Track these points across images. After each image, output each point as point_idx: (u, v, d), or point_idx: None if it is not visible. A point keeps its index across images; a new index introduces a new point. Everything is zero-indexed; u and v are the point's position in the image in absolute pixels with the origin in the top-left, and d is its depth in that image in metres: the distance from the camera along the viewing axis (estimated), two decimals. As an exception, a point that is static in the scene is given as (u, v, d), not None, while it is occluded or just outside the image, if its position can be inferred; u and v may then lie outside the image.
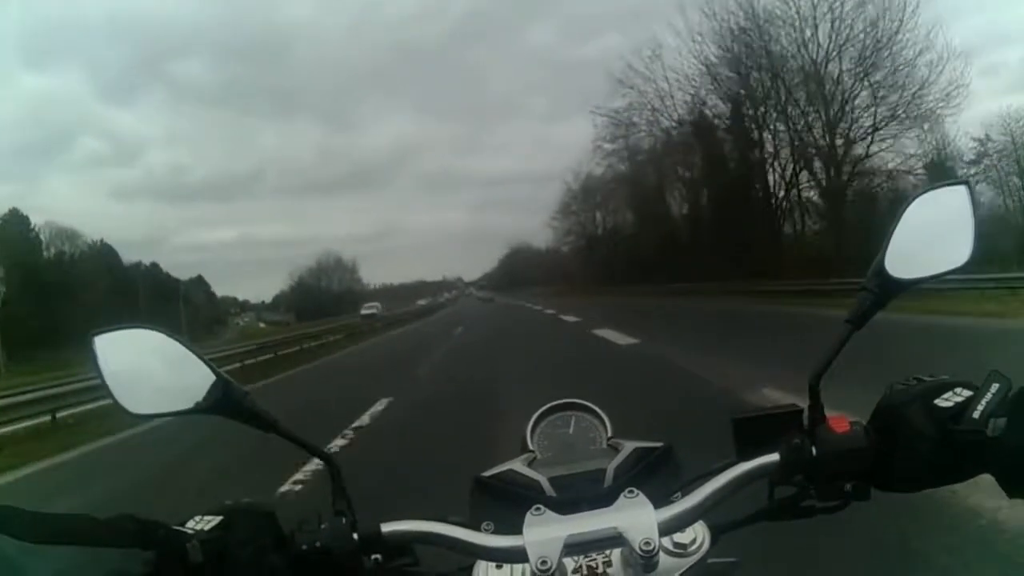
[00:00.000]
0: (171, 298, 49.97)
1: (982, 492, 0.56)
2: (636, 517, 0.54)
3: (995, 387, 0.50)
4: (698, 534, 0.61)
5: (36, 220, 46.78)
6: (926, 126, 23.22)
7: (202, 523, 0.53)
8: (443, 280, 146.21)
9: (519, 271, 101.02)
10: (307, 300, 78.87)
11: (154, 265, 57.94)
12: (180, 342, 0.59)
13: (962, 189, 0.61)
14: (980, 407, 0.50)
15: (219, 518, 0.54)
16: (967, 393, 0.53)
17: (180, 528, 0.52)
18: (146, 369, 0.58)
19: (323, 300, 77.50)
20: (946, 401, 0.53)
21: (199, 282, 68.38)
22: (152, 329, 0.59)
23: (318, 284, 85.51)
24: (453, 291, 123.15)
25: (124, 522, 0.47)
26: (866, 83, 23.86)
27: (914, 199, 0.61)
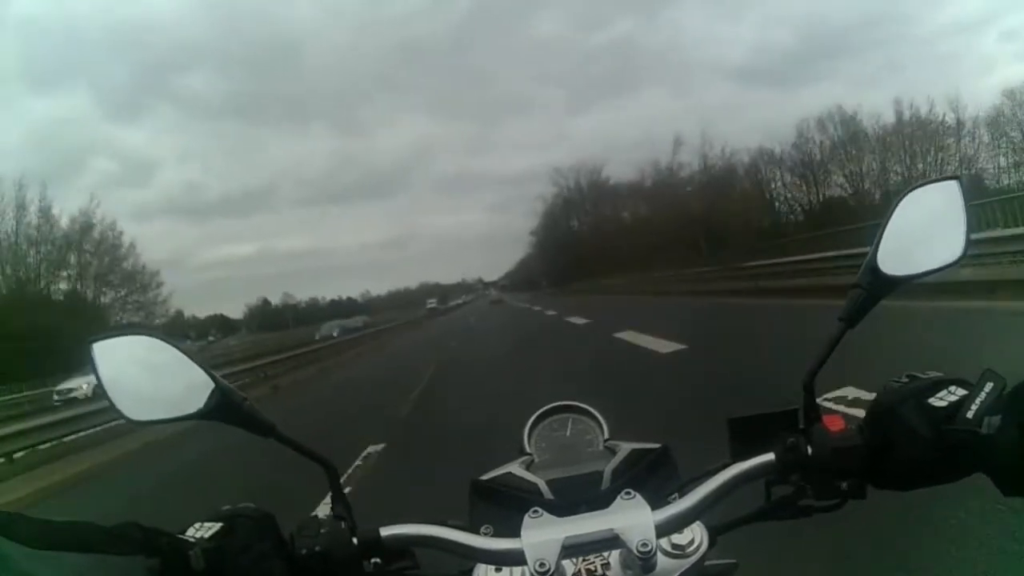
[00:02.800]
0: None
1: (979, 489, 0.56)
2: (633, 518, 0.54)
3: (989, 386, 0.50)
4: (696, 535, 0.61)
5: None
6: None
7: (203, 530, 0.54)
8: (461, 282, 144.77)
9: (571, 247, 48.14)
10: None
11: None
12: (179, 348, 0.59)
13: (953, 184, 0.60)
14: (974, 406, 0.50)
15: (219, 525, 0.54)
16: (961, 392, 0.53)
17: (182, 536, 0.52)
18: (145, 375, 0.58)
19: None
20: (940, 400, 0.53)
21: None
22: (150, 335, 0.59)
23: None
24: (464, 296, 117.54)
25: (128, 530, 0.47)
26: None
27: (905, 195, 0.61)
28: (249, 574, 0.53)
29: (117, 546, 0.46)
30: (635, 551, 0.52)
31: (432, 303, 79.17)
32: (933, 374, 0.56)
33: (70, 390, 20.50)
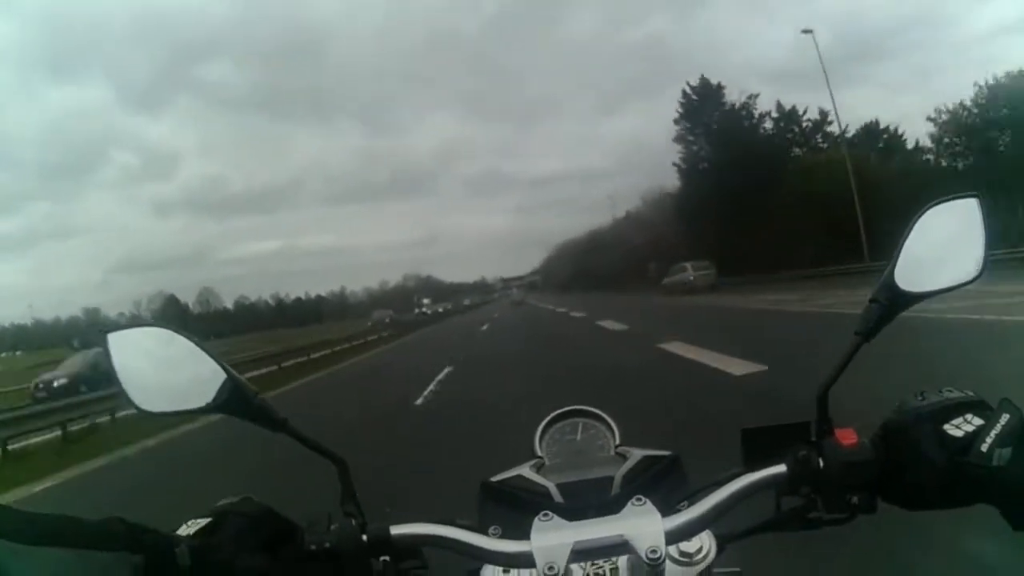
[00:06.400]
0: None
1: (989, 517, 0.56)
2: (643, 525, 0.54)
3: (1005, 418, 0.51)
4: (704, 543, 0.61)
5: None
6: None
7: (193, 526, 0.53)
8: (479, 281, 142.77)
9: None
10: None
11: None
12: (192, 340, 0.59)
13: (973, 202, 0.60)
14: (989, 439, 0.50)
15: (208, 520, 0.54)
16: (978, 421, 0.53)
17: (170, 532, 0.51)
18: (158, 367, 0.58)
19: None
20: (956, 429, 0.53)
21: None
22: (164, 327, 0.60)
23: None
24: (471, 298, 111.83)
25: (113, 526, 0.46)
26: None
27: (925, 211, 0.61)
28: (235, 570, 0.52)
29: (101, 542, 0.45)
30: (644, 557, 0.52)
31: None
32: (950, 393, 0.56)
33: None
